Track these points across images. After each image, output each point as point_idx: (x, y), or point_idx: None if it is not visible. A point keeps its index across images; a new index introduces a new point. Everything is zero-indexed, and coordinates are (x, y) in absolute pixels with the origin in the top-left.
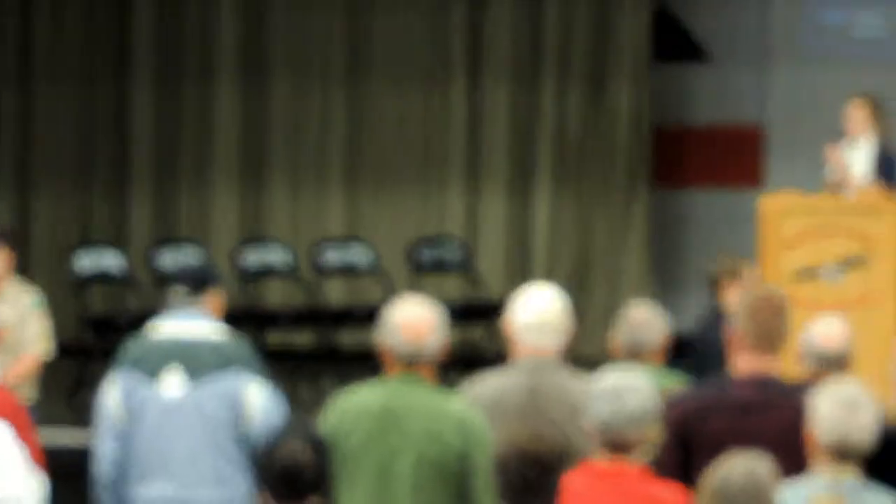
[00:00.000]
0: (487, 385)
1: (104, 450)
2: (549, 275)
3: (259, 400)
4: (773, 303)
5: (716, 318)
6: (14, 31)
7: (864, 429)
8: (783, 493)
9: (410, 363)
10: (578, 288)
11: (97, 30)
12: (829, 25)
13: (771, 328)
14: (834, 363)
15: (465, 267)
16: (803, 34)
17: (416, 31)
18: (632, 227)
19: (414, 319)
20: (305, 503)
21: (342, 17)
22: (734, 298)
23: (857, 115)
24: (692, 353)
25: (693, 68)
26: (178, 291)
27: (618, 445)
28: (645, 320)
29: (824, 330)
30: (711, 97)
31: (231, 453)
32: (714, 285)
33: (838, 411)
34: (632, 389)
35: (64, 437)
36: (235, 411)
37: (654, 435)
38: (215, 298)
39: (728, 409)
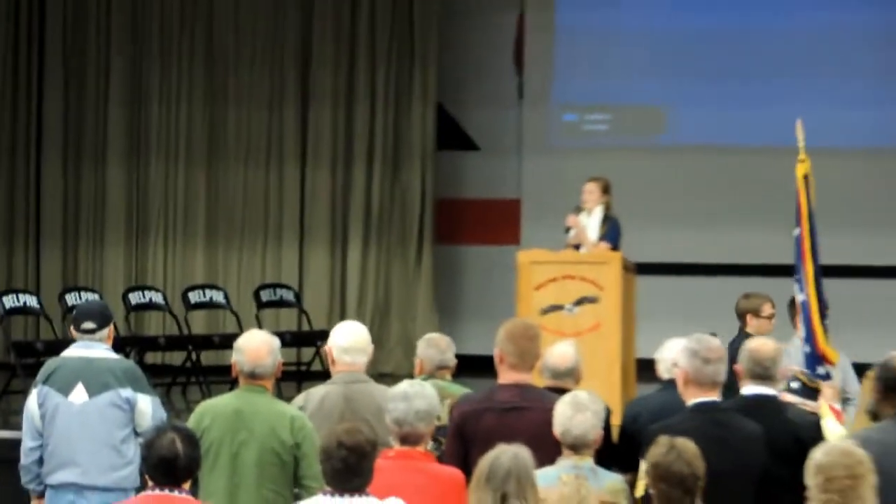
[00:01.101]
0: (313, 394)
1: (26, 445)
2: (359, 310)
3: (145, 406)
4: (528, 331)
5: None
6: None
7: (583, 425)
8: (539, 475)
9: (253, 377)
10: (380, 321)
11: (17, 115)
12: (566, 123)
13: (526, 350)
14: (565, 376)
15: (297, 305)
16: (548, 130)
17: (258, 123)
18: (421, 274)
19: (255, 344)
20: (181, 485)
21: (202, 111)
22: (754, 329)
23: (591, 192)
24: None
25: (466, 155)
26: (82, 326)
27: (409, 436)
28: (443, 345)
29: (559, 351)
30: (480, 177)
31: (123, 448)
32: (741, 317)
33: (567, 411)
34: (419, 395)
35: None
36: (127, 415)
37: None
38: (109, 331)
39: (495, 411)
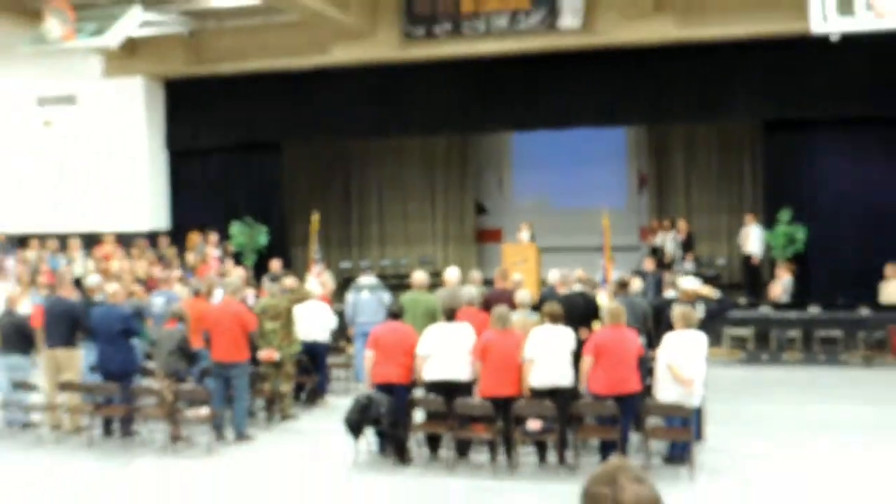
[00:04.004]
0: (440, 292)
1: (347, 312)
2: (453, 266)
3: (387, 298)
4: (505, 270)
5: (641, 273)
6: None
7: (526, 298)
8: (511, 315)
9: (420, 287)
10: (461, 271)
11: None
12: (518, 203)
13: (504, 275)
14: (518, 284)
15: (433, 265)
16: (512, 205)
17: (419, 200)
18: (473, 255)
19: (420, 276)
20: (397, 320)
21: (402, 200)
22: (647, 268)
23: (526, 226)
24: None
25: (485, 216)
26: (365, 272)
27: (471, 303)
28: (475, 276)
29: (516, 276)
30: (490, 222)
31: (380, 310)
32: (641, 261)
33: (521, 293)
34: (474, 290)
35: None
36: (381, 300)
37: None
38: (373, 273)
39: (497, 296)
